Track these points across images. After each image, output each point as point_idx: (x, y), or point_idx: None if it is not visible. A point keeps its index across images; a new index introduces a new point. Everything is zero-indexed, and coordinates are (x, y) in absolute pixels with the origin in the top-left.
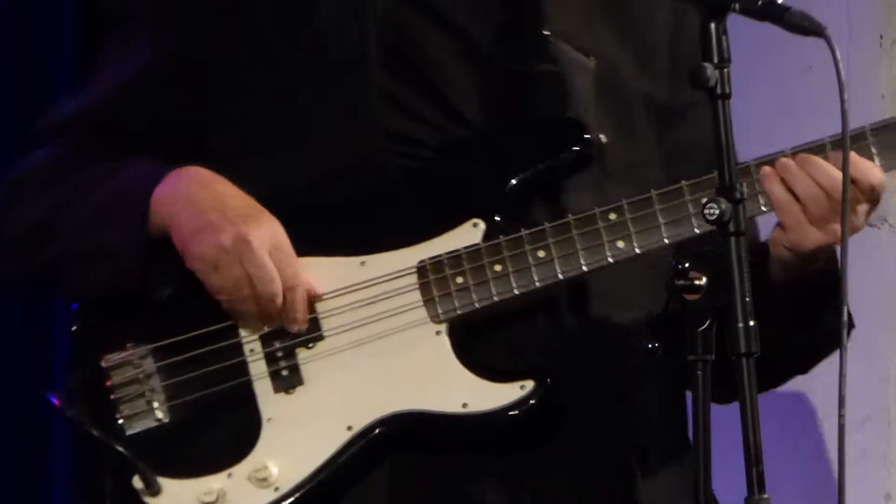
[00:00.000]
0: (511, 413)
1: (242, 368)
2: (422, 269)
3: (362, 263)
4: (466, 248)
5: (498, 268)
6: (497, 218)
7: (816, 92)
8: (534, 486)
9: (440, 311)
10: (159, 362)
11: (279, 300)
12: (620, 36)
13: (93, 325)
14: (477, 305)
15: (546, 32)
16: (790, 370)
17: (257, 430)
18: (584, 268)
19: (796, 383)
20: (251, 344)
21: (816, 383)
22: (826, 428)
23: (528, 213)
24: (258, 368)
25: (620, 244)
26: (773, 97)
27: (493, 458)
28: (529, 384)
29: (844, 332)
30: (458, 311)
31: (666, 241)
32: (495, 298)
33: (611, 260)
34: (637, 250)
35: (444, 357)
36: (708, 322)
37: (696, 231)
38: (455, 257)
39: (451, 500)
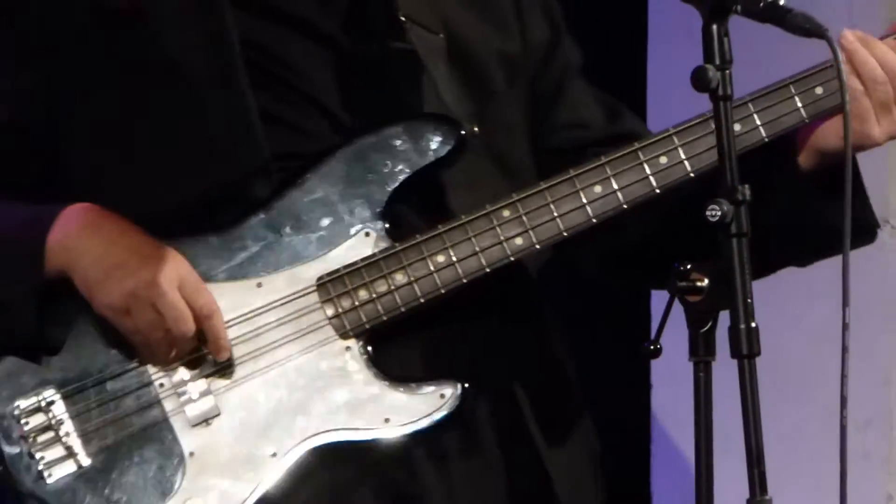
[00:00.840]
0: (435, 423)
1: (157, 405)
2: (322, 287)
3: (259, 285)
4: (364, 259)
5: (399, 277)
6: (386, 225)
7: None
8: (469, 489)
9: (347, 326)
10: (70, 407)
11: (190, 336)
12: (460, 0)
13: None
14: (385, 318)
15: (402, 17)
16: (795, 256)
17: (181, 466)
18: (487, 269)
19: (798, 384)
20: (162, 380)
21: (818, 384)
22: (828, 429)
23: (414, 210)
24: (172, 404)
25: (518, 241)
26: None
27: (430, 465)
28: (449, 391)
29: (848, 333)
30: (367, 326)
31: (564, 234)
32: (402, 309)
33: (512, 258)
34: (537, 245)
35: (359, 372)
36: (710, 324)
37: (594, 221)
38: (354, 271)
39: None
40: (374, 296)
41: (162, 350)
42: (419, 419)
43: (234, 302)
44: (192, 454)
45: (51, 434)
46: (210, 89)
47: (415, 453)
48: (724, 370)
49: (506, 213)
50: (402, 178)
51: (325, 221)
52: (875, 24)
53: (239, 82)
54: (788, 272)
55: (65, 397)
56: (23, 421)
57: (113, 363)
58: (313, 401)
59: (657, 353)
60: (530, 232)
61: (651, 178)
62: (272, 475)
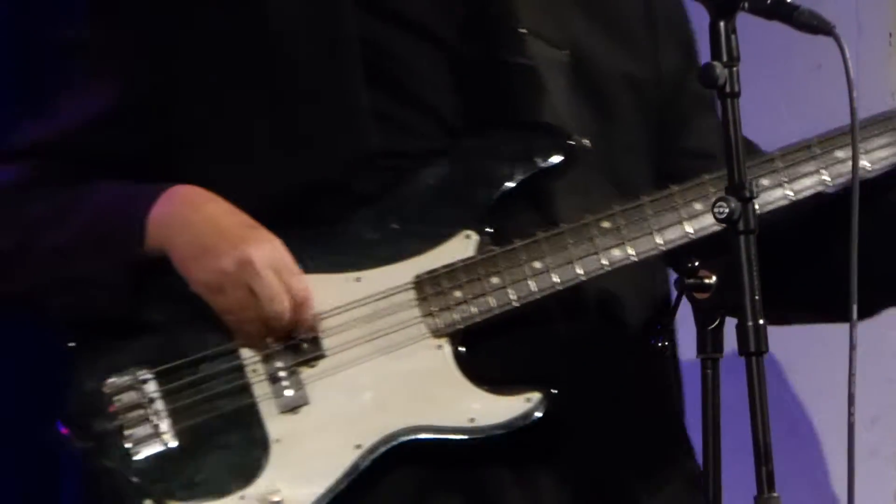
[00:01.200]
0: (518, 426)
1: (247, 390)
2: (419, 285)
3: (357, 279)
4: (463, 261)
5: (495, 280)
6: (488, 229)
7: (825, 90)
8: (552, 498)
9: (441, 325)
10: (162, 386)
11: (286, 318)
12: (591, 19)
13: (92, 349)
14: (477, 319)
15: (522, 30)
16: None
17: (266, 452)
18: (583, 277)
19: (806, 382)
20: (254, 365)
21: (825, 382)
22: (835, 427)
23: (516, 216)
24: (262, 389)
25: (616, 252)
26: (782, 96)
27: (512, 469)
28: (535, 396)
29: (855, 330)
30: (459, 325)
31: (662, 248)
32: (495, 311)
33: (608, 268)
34: (634, 258)
35: (448, 371)
36: (718, 321)
37: (691, 237)
38: (452, 271)
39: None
40: (468, 297)
41: (254, 331)
42: (503, 421)
43: (331, 294)
44: (277, 441)
45: (140, 412)
46: (322, 82)
47: (497, 456)
48: (732, 368)
49: (605, 224)
50: (507, 184)
51: (429, 221)
52: (880, 19)
53: (352, 78)
54: None
55: (157, 376)
56: (115, 398)
57: (208, 345)
58: (401, 396)
59: (665, 349)
60: (627, 244)
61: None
62: (355, 467)
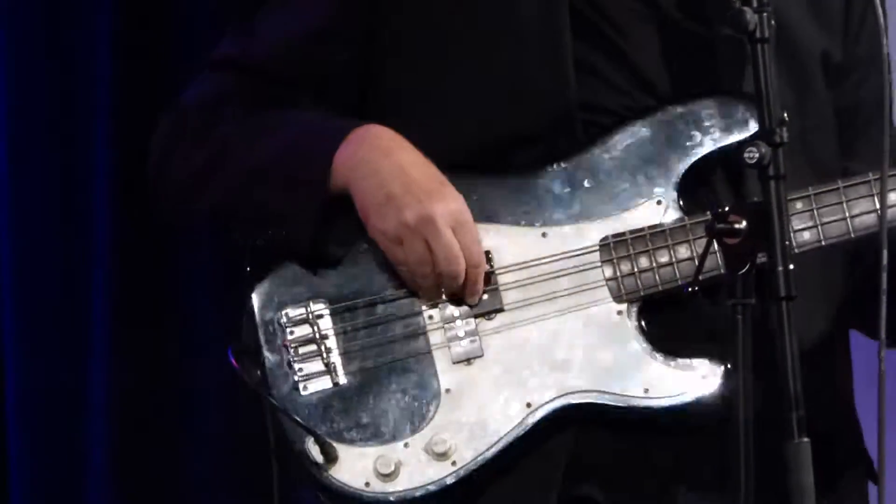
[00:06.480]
0: (692, 403)
1: (422, 337)
2: (605, 247)
3: (543, 235)
4: (651, 227)
5: (683, 250)
6: (679, 197)
7: None
8: (713, 475)
9: (623, 291)
10: (337, 324)
11: (460, 280)
12: None
13: (270, 277)
14: (661, 288)
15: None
16: None
17: (436, 401)
18: (762, 259)
19: None
20: (431, 311)
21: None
22: (866, 374)
23: (713, 186)
24: (437, 338)
25: (806, 235)
26: None
27: (685, 443)
28: (710, 373)
29: (884, 276)
30: (642, 293)
31: (852, 235)
32: (679, 282)
33: (797, 251)
34: (823, 242)
35: (627, 339)
36: (748, 266)
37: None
38: (639, 237)
39: (639, 471)
40: (654, 265)
41: (427, 285)
42: (677, 395)
43: (516, 247)
44: (448, 391)
45: (313, 347)
46: (534, 30)
47: (672, 430)
48: None
49: (798, 205)
50: (702, 152)
51: (621, 183)
52: None
53: (562, 28)
54: None
55: (333, 313)
56: (288, 330)
57: (387, 287)
58: (576, 358)
59: (694, 295)
60: (819, 228)
61: None
62: (524, 426)
